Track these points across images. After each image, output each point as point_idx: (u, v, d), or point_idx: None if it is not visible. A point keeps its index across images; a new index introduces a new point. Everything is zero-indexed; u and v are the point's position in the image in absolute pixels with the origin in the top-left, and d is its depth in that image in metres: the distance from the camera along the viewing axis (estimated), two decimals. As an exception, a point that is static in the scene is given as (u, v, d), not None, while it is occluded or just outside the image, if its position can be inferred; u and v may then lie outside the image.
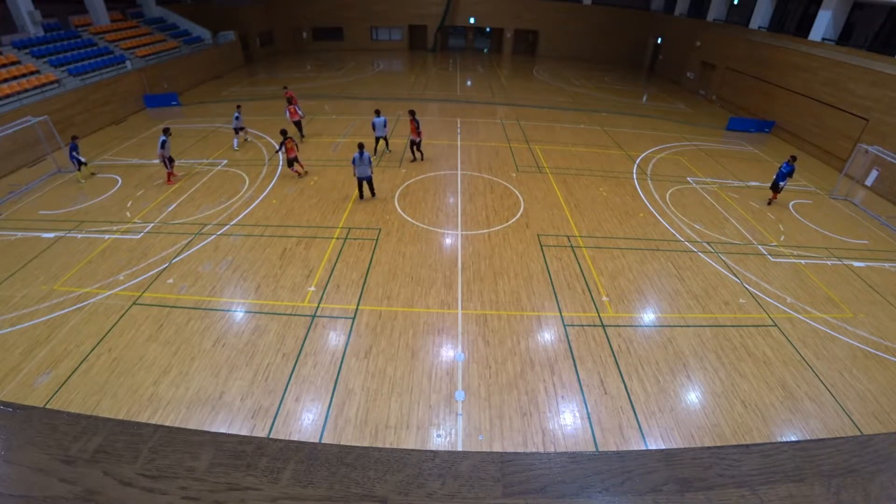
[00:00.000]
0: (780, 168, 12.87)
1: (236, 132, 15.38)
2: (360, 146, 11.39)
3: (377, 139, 14.85)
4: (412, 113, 14.31)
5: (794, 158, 12.76)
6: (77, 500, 0.71)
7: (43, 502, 0.71)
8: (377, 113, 14.48)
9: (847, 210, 13.48)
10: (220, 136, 16.86)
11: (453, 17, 35.61)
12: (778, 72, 20.06)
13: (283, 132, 13.14)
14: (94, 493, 0.73)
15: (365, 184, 11.98)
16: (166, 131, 12.70)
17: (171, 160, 12.85)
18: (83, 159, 13.03)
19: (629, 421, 6.48)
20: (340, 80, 26.30)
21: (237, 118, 15.21)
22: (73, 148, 12.69)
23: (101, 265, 9.35)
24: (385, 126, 14.60)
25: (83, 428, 0.83)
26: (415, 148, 14.73)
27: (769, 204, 13.32)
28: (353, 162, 11.50)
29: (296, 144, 13.43)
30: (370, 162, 11.59)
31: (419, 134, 14.26)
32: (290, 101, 16.56)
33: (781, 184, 12.80)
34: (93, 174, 13.47)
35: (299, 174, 13.57)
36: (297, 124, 16.21)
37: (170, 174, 12.88)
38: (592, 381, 7.07)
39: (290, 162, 13.29)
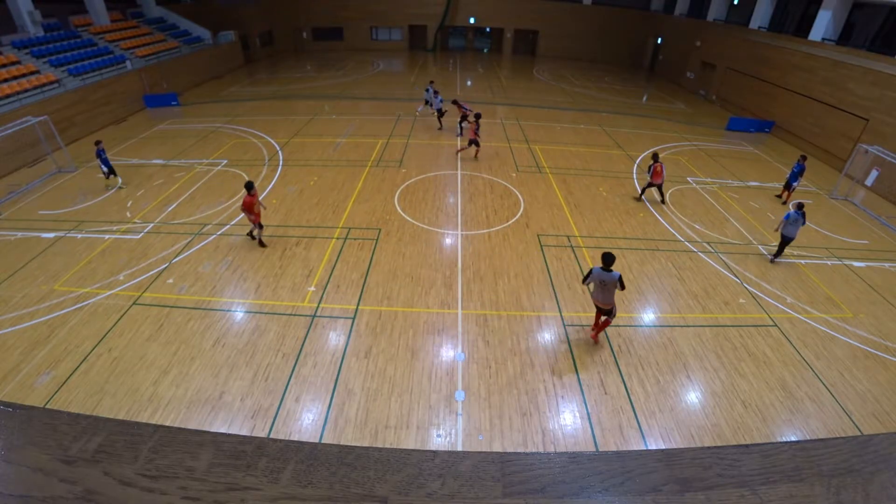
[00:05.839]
0: (792, 168, 13.12)
1: (438, 113, 17.95)
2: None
3: None
4: (477, 116, 15.04)
5: (804, 158, 13.03)
6: (77, 500, 0.71)
7: (43, 502, 0.71)
8: None
9: (847, 210, 13.48)
10: (220, 136, 16.85)
11: (453, 17, 35.59)
12: (778, 72, 20.05)
13: None
14: (94, 493, 0.72)
15: None
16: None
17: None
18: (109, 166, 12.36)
19: (629, 421, 6.48)
20: (340, 80, 26.29)
21: (434, 95, 17.82)
22: (101, 153, 12.05)
23: (101, 265, 9.35)
24: None
25: (83, 428, 0.83)
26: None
27: (780, 199, 13.63)
28: None
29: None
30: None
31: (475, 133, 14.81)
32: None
33: (794, 184, 13.05)
34: (120, 187, 12.69)
35: None
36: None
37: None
38: (592, 381, 7.07)
39: None
